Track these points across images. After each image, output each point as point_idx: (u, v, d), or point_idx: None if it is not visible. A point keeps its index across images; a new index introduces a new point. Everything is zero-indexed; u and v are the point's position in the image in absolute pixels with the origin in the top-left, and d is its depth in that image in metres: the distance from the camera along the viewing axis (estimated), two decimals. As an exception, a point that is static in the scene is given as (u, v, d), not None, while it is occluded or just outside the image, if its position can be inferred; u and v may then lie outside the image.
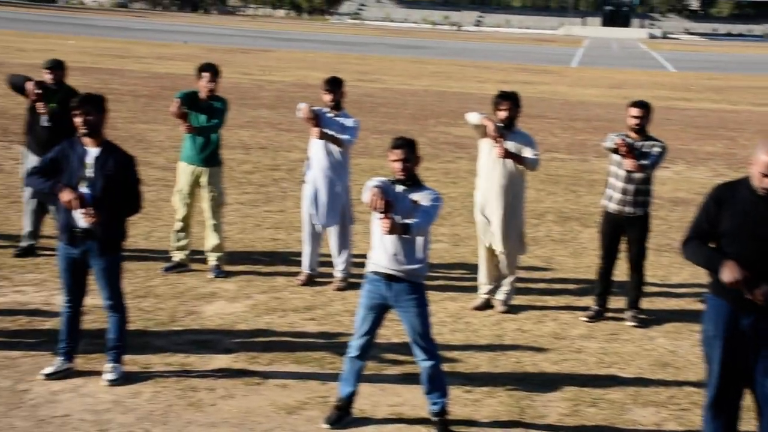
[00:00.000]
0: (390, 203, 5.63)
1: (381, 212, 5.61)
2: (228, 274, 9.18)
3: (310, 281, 9.09)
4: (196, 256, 9.41)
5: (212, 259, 9.26)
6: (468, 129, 8.78)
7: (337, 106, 8.93)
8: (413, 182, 5.90)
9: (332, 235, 9.12)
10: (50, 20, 71.78)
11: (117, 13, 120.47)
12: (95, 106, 6.31)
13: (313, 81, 31.78)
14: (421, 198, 5.83)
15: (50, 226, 9.63)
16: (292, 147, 17.73)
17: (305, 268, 9.17)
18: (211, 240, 9.26)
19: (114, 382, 6.38)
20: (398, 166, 5.84)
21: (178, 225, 9.28)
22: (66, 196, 6.14)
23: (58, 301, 7.89)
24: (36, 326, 7.41)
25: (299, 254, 9.60)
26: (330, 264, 9.24)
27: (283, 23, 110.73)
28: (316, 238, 9.15)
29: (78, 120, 6.26)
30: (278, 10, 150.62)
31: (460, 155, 17.70)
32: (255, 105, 22.96)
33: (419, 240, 5.85)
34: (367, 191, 5.70)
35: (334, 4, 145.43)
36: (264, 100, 24.99)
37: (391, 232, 5.65)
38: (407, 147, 5.87)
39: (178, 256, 9.31)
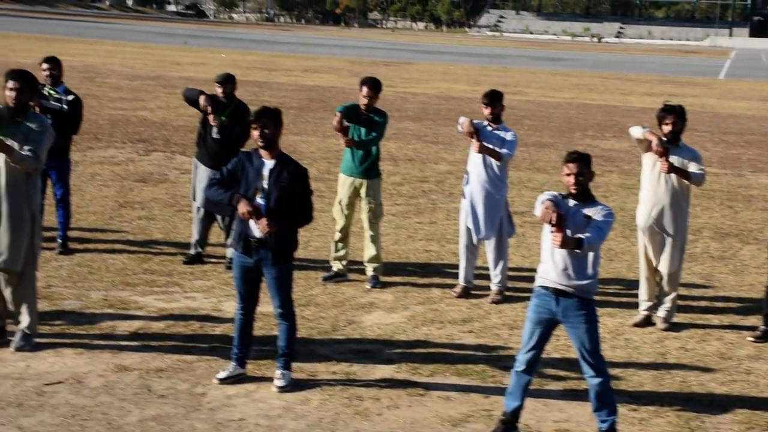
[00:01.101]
0: (562, 217, 5.57)
1: (553, 226, 5.56)
2: (385, 285, 9.25)
3: (466, 294, 9.08)
4: (353, 266, 9.52)
5: (370, 270, 9.35)
6: (615, 142, 8.61)
7: (496, 119, 8.90)
8: (586, 197, 5.82)
9: (489, 247, 9.09)
10: (201, 35, 74.16)
11: (263, 27, 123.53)
12: (272, 119, 6.46)
13: (456, 93, 31.83)
14: (594, 213, 5.75)
15: (217, 234, 9.93)
16: (438, 159, 17.77)
17: (461, 280, 9.16)
18: (369, 251, 9.36)
19: (283, 389, 6.50)
20: (571, 180, 5.77)
21: (338, 235, 9.42)
22: (242, 206, 6.31)
23: (227, 307, 8.16)
24: (208, 331, 7.63)
25: (453, 266, 9.59)
26: (485, 276, 9.20)
27: (423, 36, 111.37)
28: (473, 250, 9.13)
29: (255, 133, 6.42)
30: (418, 23, 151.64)
31: (609, 169, 17.38)
32: (400, 117, 23.13)
33: (590, 255, 5.76)
34: (539, 205, 5.65)
35: (473, 16, 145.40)
36: (409, 112, 25.16)
37: (562, 246, 5.59)
38: (581, 161, 5.80)
39: (336, 266, 9.44)
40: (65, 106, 9.36)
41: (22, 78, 6.81)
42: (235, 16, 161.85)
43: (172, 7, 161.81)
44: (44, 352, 6.92)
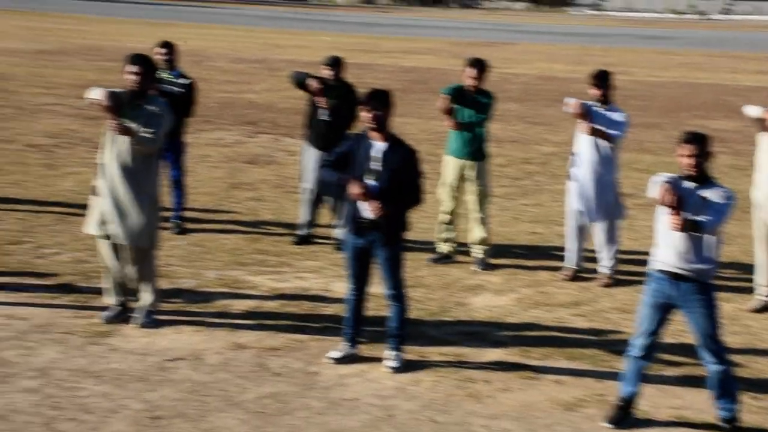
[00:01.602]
0: (682, 199, 5.43)
1: (671, 208, 5.43)
2: (492, 267, 9.20)
3: (575, 277, 8.96)
4: (460, 248, 9.49)
5: (477, 252, 9.30)
6: (725, 122, 8.35)
7: (605, 100, 8.73)
8: (704, 179, 5.67)
9: (598, 230, 8.94)
10: (304, 18, 74.75)
11: (364, 9, 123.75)
12: (382, 101, 6.46)
13: (558, 73, 31.38)
14: (712, 195, 5.59)
15: (325, 215, 10.01)
16: (542, 140, 17.56)
17: (570, 263, 9.04)
18: (476, 233, 9.31)
19: (396, 369, 6.53)
20: (689, 161, 5.63)
21: (445, 217, 9.39)
22: (354, 188, 6.34)
23: (337, 287, 8.23)
24: (319, 311, 7.70)
25: (560, 249, 9.47)
26: (593, 259, 9.06)
27: (522, 16, 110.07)
28: (582, 233, 9.01)
29: (366, 115, 6.44)
30: (517, 3, 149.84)
31: (720, 149, 16.90)
32: (503, 98, 22.85)
33: (710, 239, 5.62)
34: (654, 186, 5.53)
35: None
36: (511, 93, 24.91)
37: (681, 229, 5.45)
38: (699, 142, 5.65)
39: (444, 248, 9.43)
40: (180, 90, 9.55)
41: (143, 62, 6.95)
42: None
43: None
44: (165, 328, 7.09)
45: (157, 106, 6.99)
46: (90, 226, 7.10)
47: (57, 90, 20.17)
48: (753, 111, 7.87)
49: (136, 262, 7.10)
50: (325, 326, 7.32)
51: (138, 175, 6.94)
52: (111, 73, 24.38)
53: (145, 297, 7.19)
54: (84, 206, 10.52)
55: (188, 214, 10.31)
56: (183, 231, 9.82)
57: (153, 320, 7.17)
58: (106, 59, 27.79)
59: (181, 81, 9.66)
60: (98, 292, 7.71)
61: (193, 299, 7.83)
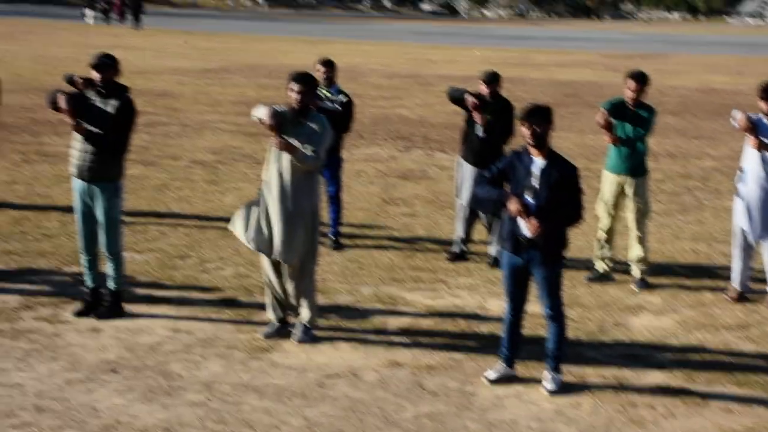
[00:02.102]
0: None
1: None
2: (652, 287, 8.87)
3: (742, 298, 8.54)
4: (618, 266, 9.20)
5: (636, 271, 8.99)
6: None
7: (775, 114, 8.30)
8: None
9: (766, 249, 8.50)
10: (455, 32, 74.86)
11: (515, 22, 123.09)
12: (543, 117, 6.32)
13: (717, 86, 30.26)
14: None
15: (479, 232, 9.89)
16: (702, 155, 16.92)
17: (736, 284, 8.63)
18: (635, 251, 9.01)
19: (554, 391, 6.35)
20: None
21: (602, 235, 9.13)
22: (513, 205, 6.21)
23: (492, 305, 8.10)
24: (474, 330, 7.59)
25: (724, 268, 9.07)
26: (761, 280, 8.63)
27: (679, 26, 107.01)
28: (749, 252, 8.58)
29: (525, 131, 6.30)
30: (673, 13, 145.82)
31: None
32: (659, 112, 22.24)
33: None
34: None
35: (733, 4, 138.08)
36: (668, 106, 24.15)
37: None
38: None
39: (601, 266, 9.16)
40: (339, 107, 9.64)
41: (306, 81, 7.04)
42: (486, 12, 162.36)
43: (426, 6, 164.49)
44: (323, 344, 7.13)
45: (318, 123, 7.05)
46: (240, 232, 7.14)
47: (220, 107, 20.79)
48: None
49: (295, 278, 7.17)
50: (481, 345, 7.20)
51: (299, 191, 7.02)
52: (270, 89, 25.00)
53: (304, 313, 7.25)
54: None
55: (344, 229, 10.38)
56: (339, 246, 9.89)
57: (311, 336, 7.22)
58: (265, 76, 28.51)
59: (340, 98, 9.75)
60: (259, 306, 7.84)
61: (350, 315, 7.85)
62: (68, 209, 10.86)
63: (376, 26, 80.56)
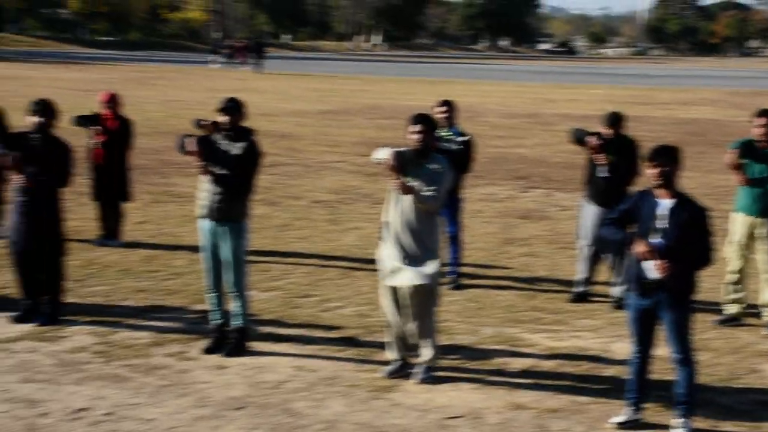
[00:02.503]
0: None
1: None
2: (786, 331, 8.52)
3: None
4: (749, 309, 8.88)
5: (768, 315, 8.67)
6: None
7: None
8: None
9: None
10: (573, 71, 74.29)
11: (635, 60, 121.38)
12: (670, 157, 6.18)
13: None
14: None
15: (603, 273, 9.70)
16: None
17: None
18: (766, 295, 8.68)
19: (684, 439, 6.14)
20: None
21: (732, 277, 8.84)
22: (639, 247, 6.08)
23: (616, 348, 7.91)
24: (598, 372, 7.43)
25: None
26: None
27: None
28: None
29: (652, 171, 6.17)
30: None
31: None
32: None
33: None
34: None
35: None
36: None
37: None
38: None
39: (731, 310, 8.86)
40: (460, 147, 9.64)
41: (425, 122, 7.07)
42: (605, 51, 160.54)
43: (543, 46, 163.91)
44: (444, 385, 7.08)
45: (439, 164, 7.06)
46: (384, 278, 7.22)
47: (340, 148, 21.08)
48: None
49: (417, 318, 7.16)
50: (606, 388, 7.03)
51: (421, 232, 7.02)
52: (389, 130, 25.24)
53: (425, 353, 7.22)
54: (366, 261, 10.89)
55: (464, 269, 10.33)
56: (459, 286, 9.84)
57: (432, 376, 7.18)
58: (384, 117, 28.83)
59: (459, 138, 9.75)
60: (380, 346, 7.85)
61: (471, 356, 7.78)
62: (195, 248, 11.13)
63: (493, 66, 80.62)
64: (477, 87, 45.98)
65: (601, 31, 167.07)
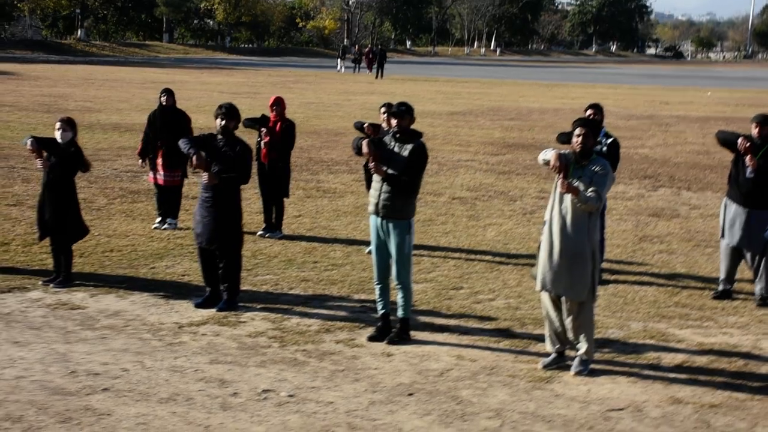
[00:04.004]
0: None
1: None
2: None
3: None
4: None
5: None
6: None
7: None
8: None
9: None
10: (683, 74, 72.07)
11: (743, 64, 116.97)
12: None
13: None
14: None
15: (741, 271, 9.27)
16: None
17: None
18: None
19: None
20: None
21: None
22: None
23: (767, 346, 7.52)
24: (753, 370, 7.08)
25: None
26: None
27: None
28: None
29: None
30: None
31: None
32: None
33: None
34: None
35: None
36: None
37: None
38: None
39: None
40: (605, 147, 9.35)
41: (589, 125, 6.87)
42: (712, 55, 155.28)
43: (651, 50, 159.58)
44: (601, 378, 6.85)
45: (600, 165, 6.83)
46: (536, 282, 7.06)
47: (470, 147, 20.88)
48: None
49: (574, 313, 6.96)
50: (763, 386, 6.68)
51: (580, 231, 6.81)
52: (514, 131, 24.90)
53: (582, 346, 7.00)
54: (509, 255, 10.70)
55: (603, 265, 10.02)
56: (602, 282, 9.54)
57: (588, 369, 6.96)
58: (507, 119, 28.46)
59: (606, 141, 9.46)
60: (534, 338, 7.69)
61: (622, 350, 7.52)
62: (349, 241, 11.20)
63: (605, 70, 78.83)
64: (592, 90, 44.98)
65: (709, 36, 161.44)
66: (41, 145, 8.53)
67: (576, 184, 6.73)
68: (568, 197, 6.81)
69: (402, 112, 7.42)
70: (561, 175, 6.73)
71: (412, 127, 7.52)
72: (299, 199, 13.66)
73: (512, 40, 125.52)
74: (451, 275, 9.76)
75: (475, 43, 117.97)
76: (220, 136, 8.10)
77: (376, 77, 50.28)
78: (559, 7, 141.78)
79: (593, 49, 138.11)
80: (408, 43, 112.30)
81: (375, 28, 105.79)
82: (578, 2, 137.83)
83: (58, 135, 8.62)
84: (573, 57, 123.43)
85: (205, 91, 34.41)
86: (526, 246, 11.20)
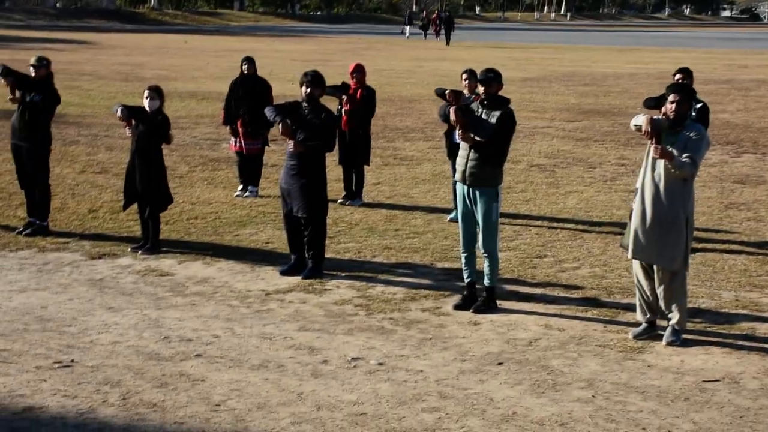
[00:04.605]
0: None
1: None
2: None
3: None
4: None
5: None
6: None
7: None
8: None
9: None
10: (761, 37, 69.84)
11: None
12: None
13: None
14: None
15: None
16: None
17: None
18: None
19: None
20: None
21: None
22: None
23: None
24: None
25: None
26: None
27: None
28: None
29: None
30: None
31: None
32: None
33: None
34: None
35: None
36: None
37: None
38: None
39: None
40: (693, 113, 9.06)
41: (683, 91, 6.65)
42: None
43: (726, 13, 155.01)
44: (693, 348, 6.68)
45: (695, 131, 6.61)
46: (627, 249, 6.89)
47: (546, 114, 20.55)
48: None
49: (666, 282, 6.77)
50: None
51: (674, 198, 6.61)
52: (589, 96, 24.43)
53: (674, 315, 6.82)
54: (592, 223, 10.50)
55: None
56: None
57: (680, 339, 6.79)
58: (582, 84, 27.93)
59: (696, 105, 9.17)
60: (622, 307, 7.53)
61: (714, 320, 7.31)
62: (429, 209, 11.11)
63: (679, 33, 76.87)
64: (666, 54, 43.86)
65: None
66: (130, 113, 8.61)
67: (669, 150, 6.52)
68: (661, 164, 6.61)
69: (490, 78, 7.28)
70: (653, 141, 6.53)
71: (500, 93, 7.38)
72: (377, 167, 13.59)
73: (583, 4, 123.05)
74: (534, 243, 9.61)
75: (545, 7, 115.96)
76: (305, 104, 8.07)
77: (445, 43, 49.74)
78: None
79: (666, 13, 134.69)
80: (477, 9, 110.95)
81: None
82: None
83: (146, 103, 8.69)
84: (645, 21, 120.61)
85: (278, 59, 34.49)
86: (608, 214, 10.98)
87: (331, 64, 31.48)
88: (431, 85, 26.93)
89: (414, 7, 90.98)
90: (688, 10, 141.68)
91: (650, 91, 26.19)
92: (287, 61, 33.86)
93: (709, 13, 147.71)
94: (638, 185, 6.85)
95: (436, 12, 66.45)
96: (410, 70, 32.01)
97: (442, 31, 53.50)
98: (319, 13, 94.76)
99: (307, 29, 69.19)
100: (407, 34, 57.88)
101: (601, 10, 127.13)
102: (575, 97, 24.43)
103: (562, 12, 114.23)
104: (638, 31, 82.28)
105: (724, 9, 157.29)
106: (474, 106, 7.39)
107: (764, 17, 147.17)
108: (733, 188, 12.67)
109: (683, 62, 38.22)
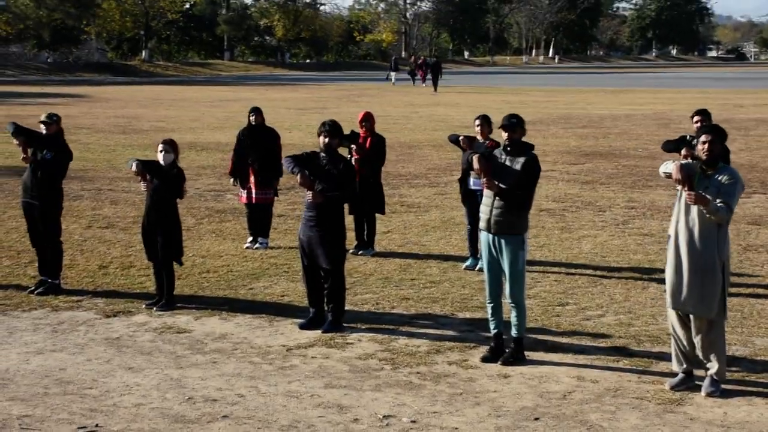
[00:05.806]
0: None
1: None
2: None
3: None
4: None
5: None
6: None
7: None
8: None
9: None
10: (749, 77, 70.51)
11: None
12: None
13: None
14: None
15: None
16: None
17: None
18: None
19: None
20: None
21: None
22: None
23: None
24: None
25: None
26: None
27: None
28: None
29: None
30: None
31: None
32: None
33: None
34: None
35: None
36: None
37: None
38: None
39: None
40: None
41: (715, 132, 6.55)
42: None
43: (712, 53, 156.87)
44: (735, 399, 6.48)
45: (727, 174, 6.49)
46: (667, 299, 6.73)
47: (548, 157, 20.45)
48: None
49: (703, 331, 6.60)
50: None
51: (709, 244, 6.47)
52: (589, 139, 24.43)
53: (713, 366, 6.63)
54: (610, 269, 10.33)
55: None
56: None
57: (719, 389, 6.60)
58: (579, 126, 28.00)
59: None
60: (654, 356, 7.36)
61: (752, 369, 7.12)
62: (443, 257, 10.93)
63: (668, 74, 77.58)
64: (660, 95, 44.19)
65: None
66: (145, 167, 8.46)
67: (703, 195, 6.39)
68: (694, 209, 6.48)
69: (513, 124, 7.16)
70: (686, 187, 6.40)
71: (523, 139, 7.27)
72: (385, 215, 13.43)
73: (570, 47, 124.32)
74: (554, 290, 9.44)
75: (533, 51, 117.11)
76: (323, 154, 7.94)
77: (432, 89, 49.44)
78: (617, 11, 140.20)
79: (653, 54, 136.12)
80: (465, 54, 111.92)
81: (432, 40, 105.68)
82: (636, 6, 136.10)
83: (160, 157, 8.54)
84: (633, 62, 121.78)
85: (273, 107, 34.48)
86: (625, 258, 10.83)
87: (327, 111, 31.51)
88: (429, 130, 26.99)
89: (402, 53, 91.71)
90: (675, 50, 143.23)
91: (649, 132, 26.32)
92: (281, 109, 33.90)
93: (696, 53, 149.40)
94: (671, 232, 6.71)
95: (423, 57, 66.73)
96: (406, 115, 32.04)
97: (429, 77, 53.32)
98: (308, 61, 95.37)
99: (297, 77, 69.51)
100: (393, 80, 57.69)
101: (588, 53, 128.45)
102: (575, 139, 24.44)
103: (550, 55, 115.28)
104: (628, 73, 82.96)
105: (711, 49, 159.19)
106: (497, 152, 7.27)
107: (750, 57, 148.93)
108: (749, 230, 12.56)
109: (678, 102, 38.47)
